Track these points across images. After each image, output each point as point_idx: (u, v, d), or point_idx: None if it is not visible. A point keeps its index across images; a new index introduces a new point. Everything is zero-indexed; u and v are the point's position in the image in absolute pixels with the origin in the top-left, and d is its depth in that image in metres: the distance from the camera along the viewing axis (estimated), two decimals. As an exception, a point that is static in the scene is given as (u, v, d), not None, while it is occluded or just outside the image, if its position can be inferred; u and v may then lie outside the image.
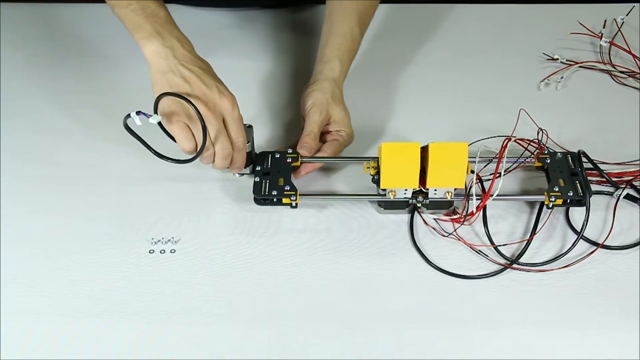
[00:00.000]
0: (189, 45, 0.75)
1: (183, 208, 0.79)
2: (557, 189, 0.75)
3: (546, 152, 0.79)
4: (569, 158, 0.79)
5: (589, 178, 0.77)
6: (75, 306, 0.69)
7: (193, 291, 0.71)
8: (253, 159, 0.79)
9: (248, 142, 0.76)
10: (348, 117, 0.84)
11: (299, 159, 0.79)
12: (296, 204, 0.75)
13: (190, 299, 0.70)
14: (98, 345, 0.66)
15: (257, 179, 0.77)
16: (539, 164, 0.78)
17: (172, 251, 0.74)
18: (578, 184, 0.75)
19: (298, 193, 0.75)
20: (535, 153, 0.79)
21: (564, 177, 0.76)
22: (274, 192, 0.75)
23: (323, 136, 0.84)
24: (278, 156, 0.79)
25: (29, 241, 0.76)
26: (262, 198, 0.76)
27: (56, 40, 1.04)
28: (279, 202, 0.76)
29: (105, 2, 0.78)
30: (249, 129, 0.78)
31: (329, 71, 0.85)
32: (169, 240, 0.75)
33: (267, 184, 0.76)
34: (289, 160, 0.79)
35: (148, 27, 0.73)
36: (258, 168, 0.78)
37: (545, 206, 0.75)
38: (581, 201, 0.74)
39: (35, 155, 0.86)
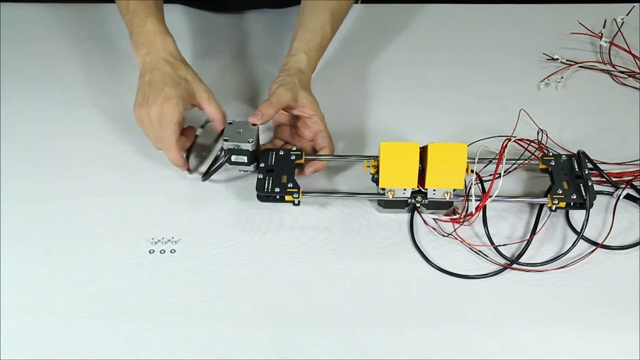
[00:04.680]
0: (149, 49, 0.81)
1: (183, 208, 0.79)
2: (560, 192, 0.74)
3: (550, 154, 0.79)
4: (574, 160, 0.78)
5: (588, 178, 0.77)
6: (75, 306, 0.69)
7: (193, 291, 0.71)
8: (257, 157, 0.80)
9: (252, 141, 0.77)
10: (316, 102, 0.83)
11: (303, 157, 0.79)
12: (299, 201, 0.75)
13: (190, 299, 0.70)
14: (98, 345, 0.66)
15: (261, 176, 0.77)
16: (544, 166, 0.78)
17: (172, 251, 0.74)
18: (582, 187, 0.75)
19: (301, 190, 0.75)
20: (535, 153, 0.79)
21: (568, 180, 0.76)
22: (277, 189, 0.75)
23: (298, 129, 0.84)
24: (282, 153, 0.79)
25: (29, 241, 0.76)
26: (265, 195, 0.76)
27: (56, 40, 1.04)
28: (282, 200, 0.76)
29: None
30: (253, 127, 0.79)
31: (295, 62, 0.85)
32: (169, 240, 0.75)
33: (270, 181, 0.76)
34: (293, 157, 0.79)
35: (133, 40, 0.83)
36: (262, 165, 0.78)
37: (548, 209, 0.75)
38: (583, 204, 0.74)
39: (35, 155, 0.86)
